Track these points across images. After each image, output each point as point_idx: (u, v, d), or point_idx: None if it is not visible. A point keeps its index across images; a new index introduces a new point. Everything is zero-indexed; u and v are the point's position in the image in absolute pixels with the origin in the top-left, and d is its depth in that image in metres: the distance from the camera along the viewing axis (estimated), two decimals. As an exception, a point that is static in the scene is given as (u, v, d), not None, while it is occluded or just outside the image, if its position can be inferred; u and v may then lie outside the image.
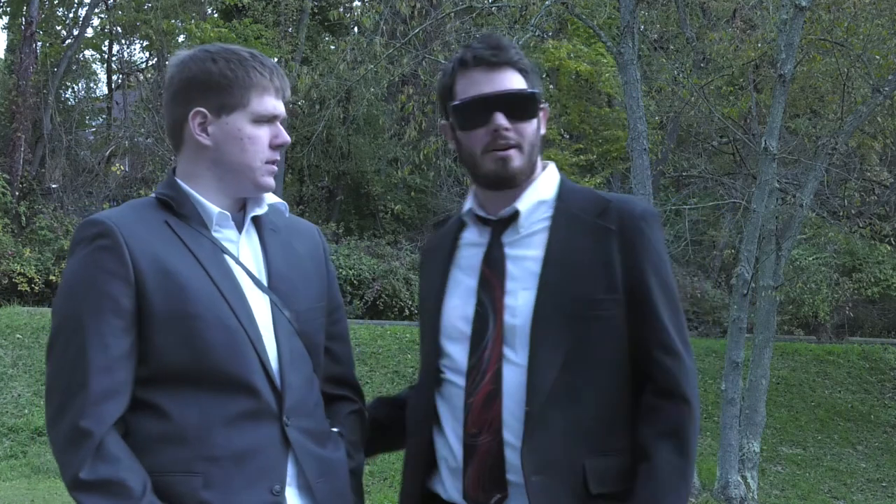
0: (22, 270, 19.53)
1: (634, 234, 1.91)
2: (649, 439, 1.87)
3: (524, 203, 1.99)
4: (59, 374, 1.83)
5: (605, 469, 1.88)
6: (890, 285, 17.19)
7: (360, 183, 24.67)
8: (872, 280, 17.22)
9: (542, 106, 2.00)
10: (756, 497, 9.82)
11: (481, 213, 2.04)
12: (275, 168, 1.97)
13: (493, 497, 1.92)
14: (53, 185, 22.87)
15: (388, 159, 21.76)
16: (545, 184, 2.02)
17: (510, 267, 1.97)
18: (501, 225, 2.00)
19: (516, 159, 1.96)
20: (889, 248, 15.39)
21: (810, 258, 15.16)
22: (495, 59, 1.96)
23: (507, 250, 1.98)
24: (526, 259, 1.96)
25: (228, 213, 1.97)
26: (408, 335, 14.01)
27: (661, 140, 14.83)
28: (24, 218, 21.18)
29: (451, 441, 1.98)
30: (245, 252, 2.00)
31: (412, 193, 23.32)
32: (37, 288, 19.89)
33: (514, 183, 1.98)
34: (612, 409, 1.91)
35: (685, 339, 1.95)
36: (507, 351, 1.93)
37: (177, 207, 1.94)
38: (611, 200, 1.96)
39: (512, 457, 1.90)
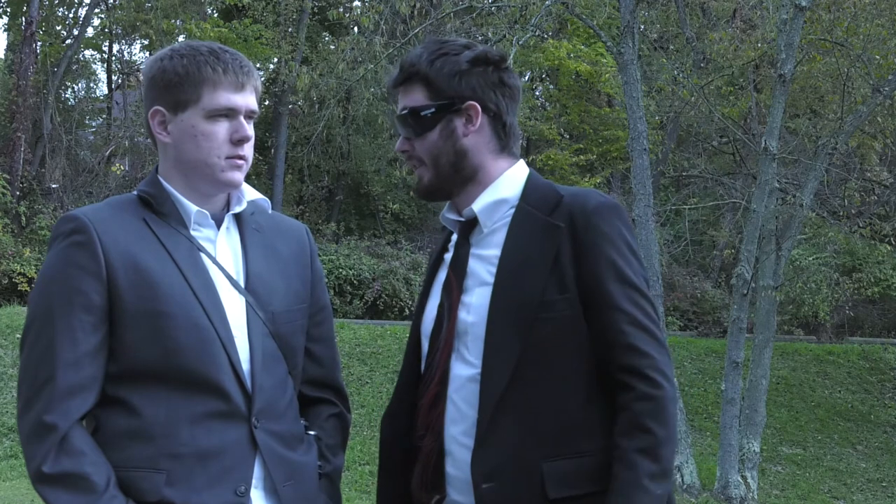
0: (22, 270, 19.54)
1: (586, 230, 1.87)
2: (617, 441, 1.82)
3: (479, 204, 1.98)
4: (29, 367, 1.84)
5: (565, 472, 1.84)
6: (890, 285, 17.19)
7: (360, 183, 24.66)
8: (872, 280, 17.21)
9: (457, 108, 1.95)
10: (756, 497, 9.82)
11: (453, 216, 2.05)
12: (240, 163, 1.93)
13: (433, 498, 1.92)
14: (53, 185, 22.87)
15: (388, 159, 21.77)
16: (508, 183, 2.00)
17: (471, 266, 1.97)
18: (468, 226, 2.01)
19: (425, 175, 1.98)
20: (889, 248, 15.39)
21: (810, 258, 15.16)
22: (396, 81, 2.00)
23: (473, 249, 1.99)
24: (485, 258, 1.96)
25: (207, 212, 1.96)
26: (408, 335, 14.01)
27: (661, 140, 14.84)
28: (24, 218, 21.18)
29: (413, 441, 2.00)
30: (223, 251, 1.98)
31: (412, 193, 23.30)
32: (37, 288, 19.91)
33: (436, 196, 2.01)
34: (572, 411, 1.86)
35: (651, 332, 1.85)
36: (461, 348, 1.92)
37: (156, 205, 1.94)
38: (563, 196, 1.93)
39: (450, 459, 1.89)
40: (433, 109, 1.94)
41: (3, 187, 20.79)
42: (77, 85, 26.88)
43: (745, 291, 9.53)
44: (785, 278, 10.45)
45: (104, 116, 27.67)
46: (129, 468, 1.82)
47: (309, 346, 2.10)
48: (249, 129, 1.93)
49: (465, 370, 1.90)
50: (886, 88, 10.25)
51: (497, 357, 1.85)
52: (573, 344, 1.86)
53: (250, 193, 2.03)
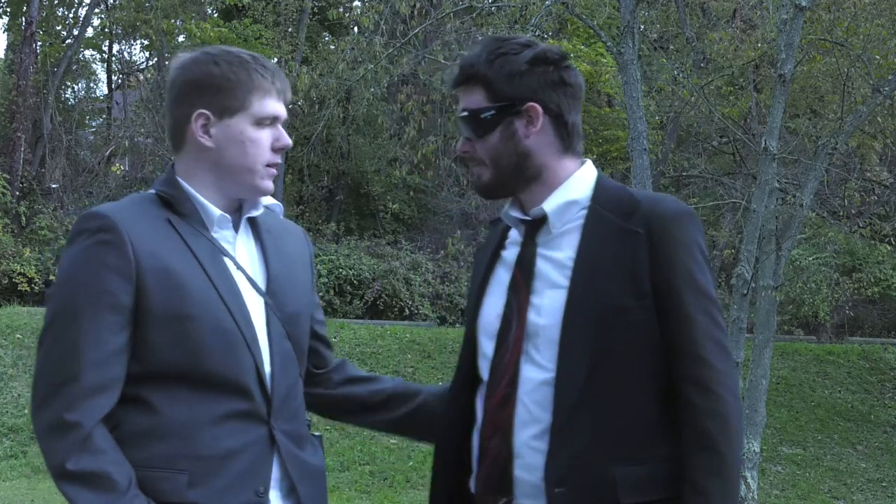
0: (22, 270, 19.52)
1: (663, 238, 1.86)
2: (685, 460, 1.83)
3: (551, 204, 1.96)
4: (49, 364, 1.83)
5: (637, 478, 1.83)
6: (890, 285, 17.19)
7: (360, 183, 24.63)
8: (872, 280, 17.20)
9: (517, 110, 1.94)
10: (756, 497, 9.82)
11: (517, 214, 2.02)
12: (274, 171, 1.98)
13: (500, 500, 1.90)
14: (53, 185, 22.86)
15: (388, 159, 21.76)
16: (578, 183, 1.98)
17: (540, 266, 1.95)
18: (535, 225, 1.99)
19: (484, 175, 1.97)
20: (889, 248, 15.39)
21: (810, 258, 15.15)
22: (455, 82, 1.98)
23: (540, 250, 1.96)
24: (556, 260, 1.94)
25: (229, 216, 1.98)
26: (408, 335, 14.01)
27: (661, 140, 14.83)
28: (24, 218, 21.17)
29: (474, 440, 1.97)
30: (242, 253, 2.00)
31: (412, 193, 23.30)
32: (37, 288, 19.86)
33: (495, 194, 2.00)
34: (645, 417, 1.86)
35: (720, 343, 1.87)
36: (531, 351, 1.90)
37: (177, 206, 1.93)
38: (640, 201, 1.92)
39: (520, 462, 1.88)
40: (493, 112, 1.93)
41: (3, 187, 20.78)
42: (77, 85, 26.89)
43: (745, 291, 9.53)
44: (785, 278, 10.44)
45: (104, 116, 27.66)
46: (149, 468, 1.82)
47: (314, 345, 2.15)
48: (288, 138, 1.99)
49: (536, 373, 1.88)
50: (886, 88, 10.25)
51: (573, 361, 1.84)
52: (648, 350, 1.85)
53: (266, 199, 2.07)
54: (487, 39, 2.02)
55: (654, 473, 1.85)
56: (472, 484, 1.97)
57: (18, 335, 13.49)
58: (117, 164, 24.85)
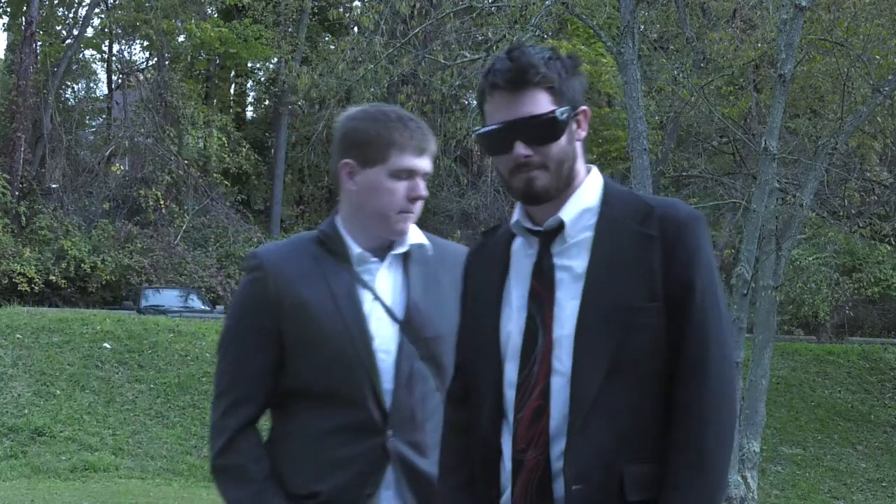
0: (22, 270, 19.52)
1: (677, 241, 1.90)
2: (671, 450, 1.87)
3: (568, 213, 1.96)
4: (215, 380, 2.26)
5: (643, 476, 1.88)
6: (890, 285, 17.22)
7: (360, 183, 24.59)
8: (872, 280, 17.23)
9: (576, 113, 1.96)
10: (756, 497, 9.82)
11: (528, 225, 2.01)
12: (410, 216, 2.25)
13: None
14: (53, 185, 22.86)
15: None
16: (589, 190, 1.99)
17: (559, 277, 1.95)
18: (549, 235, 1.98)
19: (541, 178, 1.94)
20: (889, 248, 15.41)
21: (810, 258, 15.18)
22: (514, 84, 1.93)
23: (556, 260, 1.96)
24: (572, 268, 1.94)
25: (369, 253, 2.26)
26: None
27: (661, 140, 14.84)
28: (24, 218, 21.17)
29: (504, 457, 1.98)
30: (383, 283, 2.27)
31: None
32: (37, 288, 19.88)
33: (544, 199, 1.97)
34: (651, 417, 1.90)
35: (726, 346, 1.92)
36: (555, 363, 1.92)
37: (329, 244, 2.27)
38: (654, 207, 1.94)
39: (558, 472, 1.90)
40: (565, 115, 1.94)
41: (3, 187, 20.79)
42: (77, 85, 26.89)
43: (745, 291, 9.54)
44: (785, 278, 10.45)
45: (104, 116, 27.65)
46: (285, 465, 2.20)
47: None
48: (424, 189, 2.25)
49: (561, 380, 1.90)
50: (886, 88, 10.25)
51: (588, 363, 1.88)
52: (657, 351, 1.89)
53: (415, 237, 2.32)
54: (519, 47, 2.01)
55: (657, 472, 1.89)
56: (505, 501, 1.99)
57: (18, 335, 13.49)
58: (117, 164, 24.84)
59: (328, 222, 2.33)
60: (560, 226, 1.96)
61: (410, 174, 2.22)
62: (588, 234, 1.96)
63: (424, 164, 2.23)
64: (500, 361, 2.00)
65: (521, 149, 1.92)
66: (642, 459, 1.88)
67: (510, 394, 1.97)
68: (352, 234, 2.27)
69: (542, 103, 1.94)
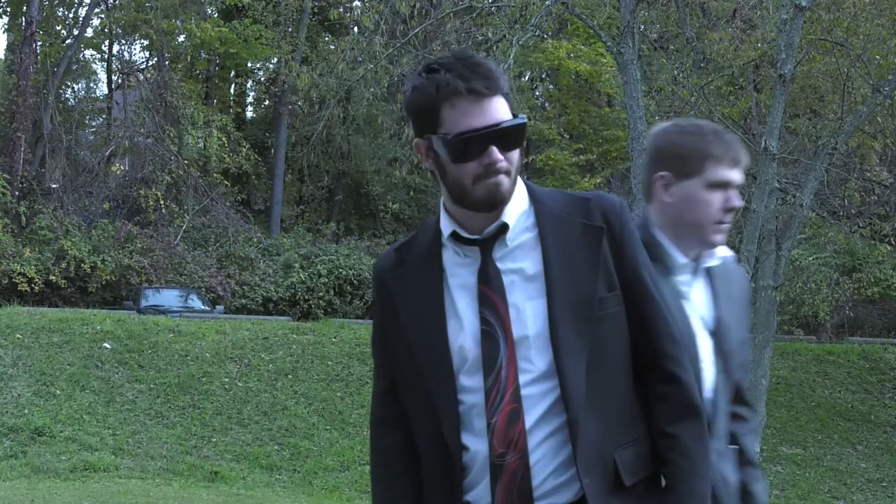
0: (22, 270, 19.51)
1: (621, 229, 1.98)
2: (671, 423, 1.96)
3: (510, 216, 1.97)
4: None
5: (630, 459, 1.95)
6: (890, 285, 17.22)
7: (359, 183, 24.65)
8: (872, 280, 17.22)
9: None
10: (756, 497, 9.82)
11: (464, 234, 2.01)
12: (724, 227, 2.30)
13: None
14: (53, 185, 22.87)
15: (388, 159, 21.75)
16: (519, 192, 2.02)
17: (509, 280, 1.96)
18: (489, 241, 1.99)
19: (505, 184, 1.96)
20: (889, 248, 15.41)
21: (810, 258, 15.17)
22: (488, 91, 1.93)
23: (500, 265, 1.98)
24: (523, 270, 1.96)
25: (692, 263, 2.32)
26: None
27: (661, 140, 14.80)
28: (24, 218, 21.17)
29: (475, 462, 1.97)
30: (697, 296, 2.33)
31: (412, 193, 23.33)
32: (37, 288, 19.86)
33: (503, 204, 1.98)
34: (627, 401, 1.98)
35: (676, 322, 2.06)
36: (522, 364, 1.93)
37: (650, 252, 2.21)
38: (590, 199, 2.03)
39: (538, 474, 1.92)
40: (523, 123, 1.98)
41: (3, 187, 20.79)
42: (77, 85, 26.88)
43: (745, 291, 9.53)
44: (785, 278, 10.45)
45: (104, 116, 27.65)
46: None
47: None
48: (739, 200, 2.31)
49: (535, 383, 1.93)
50: (886, 88, 10.25)
51: (571, 360, 1.93)
52: (621, 337, 1.98)
53: (722, 250, 2.38)
54: (479, 59, 2.02)
55: (641, 451, 1.97)
56: None
57: (18, 335, 13.48)
58: (117, 164, 24.83)
59: (641, 225, 2.33)
60: (502, 229, 1.97)
61: (725, 186, 2.29)
62: (530, 235, 1.98)
63: (738, 175, 2.32)
64: (453, 373, 1.98)
65: (495, 154, 1.92)
66: (625, 444, 1.96)
67: (472, 399, 1.96)
68: (671, 242, 2.33)
69: (506, 110, 1.96)
